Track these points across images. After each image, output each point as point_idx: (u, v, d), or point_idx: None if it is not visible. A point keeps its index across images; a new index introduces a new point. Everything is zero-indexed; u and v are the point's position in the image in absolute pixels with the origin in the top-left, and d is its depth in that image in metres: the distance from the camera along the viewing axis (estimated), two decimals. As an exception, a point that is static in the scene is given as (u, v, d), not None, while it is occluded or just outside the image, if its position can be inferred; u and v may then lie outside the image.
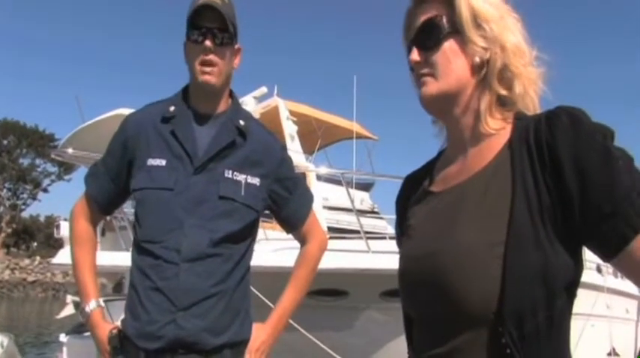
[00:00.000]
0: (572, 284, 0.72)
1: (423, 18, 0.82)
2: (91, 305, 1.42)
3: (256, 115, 7.69)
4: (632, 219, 0.66)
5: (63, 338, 4.69)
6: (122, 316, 1.38)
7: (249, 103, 8.24)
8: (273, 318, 1.47)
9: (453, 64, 0.79)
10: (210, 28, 1.37)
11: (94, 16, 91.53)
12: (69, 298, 4.77)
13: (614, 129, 0.71)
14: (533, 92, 0.79)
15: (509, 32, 0.79)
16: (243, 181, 1.40)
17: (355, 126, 8.61)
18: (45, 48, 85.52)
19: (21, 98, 79.83)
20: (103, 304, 1.44)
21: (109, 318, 1.47)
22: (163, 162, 1.38)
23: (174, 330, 1.28)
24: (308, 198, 1.58)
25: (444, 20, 0.79)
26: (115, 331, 1.37)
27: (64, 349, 4.58)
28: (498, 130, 0.78)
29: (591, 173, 0.67)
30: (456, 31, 0.79)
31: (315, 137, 8.47)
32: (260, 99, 8.27)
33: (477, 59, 0.78)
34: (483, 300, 0.69)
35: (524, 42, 0.80)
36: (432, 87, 0.80)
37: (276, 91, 8.06)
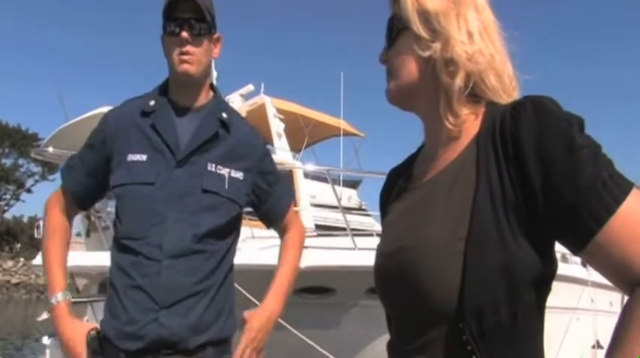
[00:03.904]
0: (541, 280, 0.69)
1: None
2: (57, 298, 1.34)
3: (243, 113, 7.66)
4: (596, 211, 0.63)
5: (46, 340, 4.61)
6: (102, 317, 1.34)
7: (236, 101, 8.19)
8: (270, 299, 1.45)
9: (405, 61, 0.80)
10: (186, 18, 1.35)
11: (77, 15, 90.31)
12: (51, 300, 4.69)
13: (583, 117, 0.68)
14: (494, 81, 0.77)
15: (458, 22, 0.77)
16: (226, 175, 1.38)
17: (342, 124, 8.60)
18: (27, 47, 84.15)
19: (3, 97, 78.51)
20: (70, 298, 1.37)
21: (94, 319, 1.43)
22: (144, 157, 1.35)
23: (156, 329, 1.25)
24: (289, 192, 1.59)
25: (398, 18, 0.80)
26: (93, 333, 1.32)
27: (47, 351, 4.51)
28: (467, 124, 0.77)
29: (554, 163, 0.65)
30: (407, 27, 0.79)
31: (302, 135, 8.44)
32: (247, 96, 8.23)
33: (425, 54, 0.77)
34: (444, 296, 0.68)
35: (483, 30, 0.78)
36: (391, 84, 0.83)
37: (262, 89, 8.04)
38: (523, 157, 0.67)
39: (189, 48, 1.36)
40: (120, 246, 1.34)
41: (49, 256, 1.42)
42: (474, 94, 0.78)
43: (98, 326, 1.34)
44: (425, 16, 0.78)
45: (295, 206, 1.67)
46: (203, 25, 1.37)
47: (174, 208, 1.31)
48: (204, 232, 1.32)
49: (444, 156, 0.79)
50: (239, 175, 1.40)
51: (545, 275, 0.70)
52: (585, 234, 0.64)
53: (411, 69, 0.80)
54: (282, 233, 1.58)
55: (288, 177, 1.74)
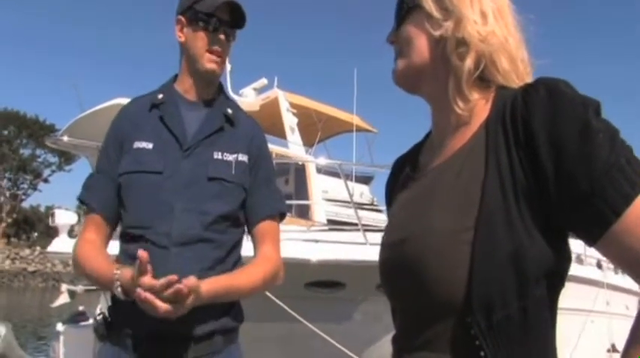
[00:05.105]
0: (554, 273, 0.66)
1: None
2: (116, 275, 1.19)
3: (256, 107, 7.68)
4: (612, 199, 0.60)
5: (60, 327, 4.68)
6: (109, 303, 1.34)
7: (249, 95, 8.19)
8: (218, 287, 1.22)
9: (415, 40, 0.77)
10: (228, 22, 1.39)
11: (94, 8, 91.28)
12: (64, 287, 4.74)
13: (599, 100, 0.64)
14: (506, 64, 0.73)
15: (471, 2, 0.74)
16: (233, 161, 1.37)
17: (355, 119, 8.56)
18: (45, 38, 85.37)
19: (21, 89, 79.84)
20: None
21: (106, 307, 1.41)
22: (150, 145, 1.35)
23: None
24: (276, 203, 1.44)
25: None
26: (100, 319, 1.33)
27: (61, 338, 4.57)
28: (477, 109, 0.74)
29: (567, 147, 0.62)
30: (419, 5, 0.76)
31: (315, 129, 8.42)
32: (260, 90, 8.22)
33: (437, 33, 0.74)
34: (451, 288, 0.66)
35: (497, 12, 0.75)
36: (399, 63, 0.80)
37: (276, 83, 8.02)
38: (534, 141, 0.64)
39: (222, 50, 1.39)
40: (127, 235, 1.34)
41: (86, 267, 1.30)
42: (485, 79, 0.74)
43: (106, 312, 1.35)
44: None
45: (284, 216, 1.49)
46: (236, 32, 1.43)
47: (181, 197, 1.30)
48: (212, 220, 1.31)
49: (452, 143, 0.75)
50: (245, 158, 1.40)
51: (558, 270, 0.67)
52: (601, 224, 0.61)
53: (420, 48, 0.76)
54: (255, 245, 1.40)
55: (280, 192, 1.50)
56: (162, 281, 1.08)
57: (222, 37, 1.38)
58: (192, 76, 1.43)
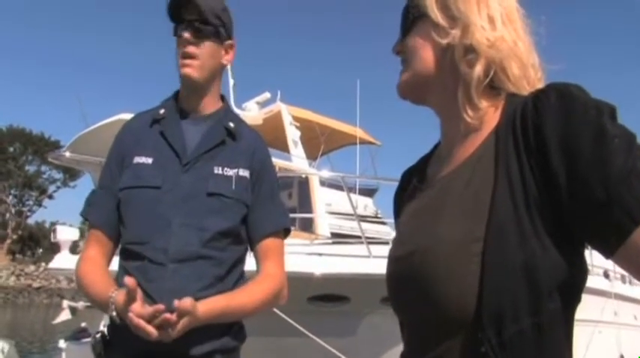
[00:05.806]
0: (569, 286, 0.63)
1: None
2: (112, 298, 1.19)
3: (259, 121, 7.71)
4: (631, 207, 0.56)
5: (62, 344, 4.66)
6: (107, 321, 1.33)
7: (252, 109, 8.23)
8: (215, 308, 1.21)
9: (421, 50, 0.75)
10: (189, 20, 1.35)
11: (99, 24, 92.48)
12: (65, 303, 4.73)
13: (614, 104, 0.62)
14: (516, 70, 0.71)
15: (478, 8, 0.72)
16: (234, 176, 1.35)
17: (358, 132, 8.57)
18: (50, 55, 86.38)
19: (27, 106, 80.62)
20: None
21: (103, 322, 1.40)
22: (150, 160, 1.34)
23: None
24: (279, 219, 1.41)
25: (414, 5, 0.77)
26: (98, 337, 1.31)
27: (63, 355, 4.55)
28: (487, 117, 0.72)
29: (580, 153, 0.59)
30: (424, 14, 0.75)
31: (318, 142, 8.43)
32: (263, 104, 8.26)
33: (444, 42, 0.72)
34: (461, 301, 0.63)
35: (506, 16, 0.73)
36: (404, 74, 0.78)
37: (279, 97, 8.06)
38: (546, 147, 0.61)
39: (191, 49, 1.34)
40: (126, 252, 1.32)
41: (86, 288, 1.31)
42: (495, 86, 0.72)
43: (105, 330, 1.33)
44: (443, 2, 0.73)
45: (288, 232, 1.46)
46: (207, 28, 1.35)
47: (179, 211, 1.29)
48: (210, 236, 1.29)
49: (460, 152, 0.73)
50: (246, 174, 1.37)
51: (573, 283, 0.64)
52: (620, 233, 0.58)
53: (427, 58, 0.75)
54: (258, 262, 1.38)
55: (283, 206, 1.48)
56: (150, 310, 1.09)
57: (186, 35, 1.33)
58: (183, 87, 1.43)
